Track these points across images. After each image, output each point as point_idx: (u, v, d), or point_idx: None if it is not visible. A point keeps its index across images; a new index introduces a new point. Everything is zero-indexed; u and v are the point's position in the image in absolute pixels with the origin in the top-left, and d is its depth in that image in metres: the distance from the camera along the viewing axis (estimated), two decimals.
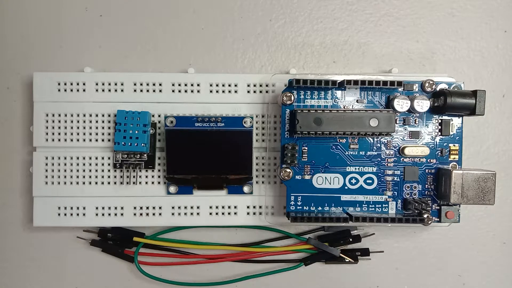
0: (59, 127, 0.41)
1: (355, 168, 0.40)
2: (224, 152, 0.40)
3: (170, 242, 0.42)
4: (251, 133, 0.40)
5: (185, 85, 0.41)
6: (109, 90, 0.41)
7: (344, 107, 0.39)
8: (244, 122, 0.40)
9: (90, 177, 0.41)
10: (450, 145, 0.40)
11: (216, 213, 0.41)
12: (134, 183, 0.41)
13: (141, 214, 0.41)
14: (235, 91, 0.41)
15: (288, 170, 0.39)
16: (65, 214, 0.41)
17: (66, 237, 0.43)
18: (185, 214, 0.41)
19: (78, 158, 0.41)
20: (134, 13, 0.44)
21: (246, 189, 0.41)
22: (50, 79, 0.41)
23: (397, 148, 0.40)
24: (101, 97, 0.41)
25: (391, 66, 0.44)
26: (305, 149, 0.39)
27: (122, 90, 0.41)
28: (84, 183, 0.41)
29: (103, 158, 0.41)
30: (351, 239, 0.42)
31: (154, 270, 0.42)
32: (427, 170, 0.40)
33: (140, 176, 0.41)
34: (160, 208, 0.41)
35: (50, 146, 0.41)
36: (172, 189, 0.41)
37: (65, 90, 0.41)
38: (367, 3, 0.44)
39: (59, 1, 0.43)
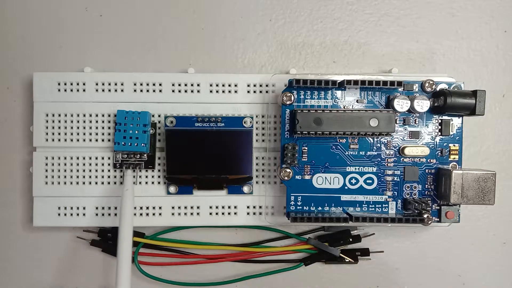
0: (59, 127, 0.41)
1: (355, 168, 0.40)
2: (224, 152, 0.40)
3: (170, 242, 0.42)
4: (251, 133, 0.40)
5: (185, 85, 0.41)
6: (109, 90, 0.41)
7: (344, 107, 0.39)
8: (244, 122, 0.40)
9: (90, 177, 0.41)
10: (450, 145, 0.40)
11: (216, 213, 0.41)
12: (134, 183, 0.41)
13: (141, 214, 0.41)
14: (235, 91, 0.41)
15: (288, 170, 0.39)
16: (65, 214, 0.41)
17: (66, 237, 0.43)
18: (185, 214, 0.41)
19: (78, 158, 0.41)
20: (134, 13, 0.44)
21: (246, 189, 0.41)
22: (50, 79, 0.41)
23: (397, 148, 0.40)
24: (101, 97, 0.41)
25: (391, 66, 0.44)
26: (305, 149, 0.39)
27: (122, 90, 0.41)
28: (84, 183, 0.41)
29: (103, 158, 0.41)
30: (351, 239, 0.42)
31: (154, 270, 0.42)
32: (427, 170, 0.40)
33: (140, 176, 0.41)
34: (160, 208, 0.41)
35: (50, 146, 0.41)
36: (172, 189, 0.41)
37: (65, 90, 0.41)
38: (367, 3, 0.44)
39: (59, 1, 0.43)
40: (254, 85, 0.41)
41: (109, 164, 0.41)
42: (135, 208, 0.41)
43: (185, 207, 0.41)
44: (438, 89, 0.39)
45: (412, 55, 0.44)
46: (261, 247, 0.43)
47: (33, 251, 0.43)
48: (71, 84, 0.41)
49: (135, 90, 0.41)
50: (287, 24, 0.44)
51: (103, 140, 0.41)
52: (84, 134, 0.41)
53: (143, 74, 0.41)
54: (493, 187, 0.38)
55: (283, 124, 0.39)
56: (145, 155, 0.41)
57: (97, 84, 0.41)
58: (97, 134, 0.41)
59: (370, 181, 0.40)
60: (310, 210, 0.39)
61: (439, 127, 0.40)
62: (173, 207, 0.41)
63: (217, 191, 0.41)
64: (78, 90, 0.41)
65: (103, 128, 0.41)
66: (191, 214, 0.41)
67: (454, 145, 0.40)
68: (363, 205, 0.40)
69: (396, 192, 0.40)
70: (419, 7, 0.44)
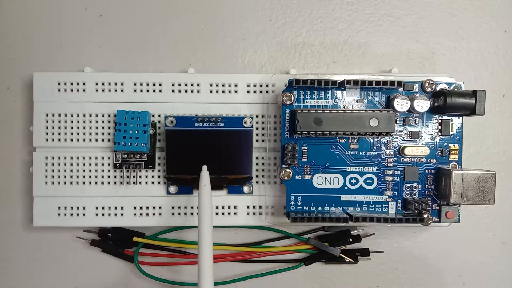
0: (59, 127, 0.41)
1: (355, 168, 0.40)
2: (224, 152, 0.40)
3: (170, 242, 0.42)
4: (251, 133, 0.40)
5: (185, 85, 0.41)
6: (109, 90, 0.41)
7: (344, 107, 0.39)
8: (244, 122, 0.40)
9: (90, 177, 0.41)
10: (450, 145, 0.40)
11: (216, 213, 0.41)
12: (134, 183, 0.41)
13: (141, 214, 0.41)
14: (235, 91, 0.41)
15: (288, 170, 0.39)
16: (65, 214, 0.41)
17: (66, 237, 0.43)
18: (185, 214, 0.41)
19: (78, 158, 0.41)
20: (134, 13, 0.44)
21: (246, 189, 0.41)
22: (50, 79, 0.41)
23: (397, 148, 0.40)
24: (101, 97, 0.41)
25: (391, 66, 0.44)
26: (305, 149, 0.39)
27: (122, 90, 0.41)
28: (84, 183, 0.41)
29: (103, 158, 0.41)
30: (351, 239, 0.42)
31: (154, 270, 0.42)
32: (427, 170, 0.40)
33: (140, 176, 0.41)
34: (160, 208, 0.41)
35: (50, 146, 0.41)
36: (172, 189, 0.41)
37: (65, 90, 0.41)
38: (367, 3, 0.44)
39: (59, 1, 0.44)
40: (254, 85, 0.41)
41: (109, 164, 0.41)
42: (135, 208, 0.41)
43: (185, 207, 0.41)
44: (438, 89, 0.39)
45: (412, 55, 0.44)
46: (261, 247, 0.43)
47: (33, 251, 0.43)
48: (71, 84, 0.41)
49: (135, 90, 0.41)
50: (287, 24, 0.44)
51: (103, 140, 0.41)
52: (84, 134, 0.41)
53: (143, 74, 0.41)
54: (493, 187, 0.37)
55: (283, 124, 0.39)
56: (145, 155, 0.41)
57: (97, 84, 0.41)
58: (97, 134, 0.41)
59: (370, 181, 0.40)
60: (310, 210, 0.39)
61: (439, 127, 0.40)
62: (173, 207, 0.41)
63: (217, 191, 0.41)
64: (78, 90, 0.41)
65: (103, 128, 0.41)
66: (191, 214, 0.41)
67: (454, 145, 0.40)
68: (363, 205, 0.40)
69: (396, 192, 0.40)
70: (419, 7, 0.44)
